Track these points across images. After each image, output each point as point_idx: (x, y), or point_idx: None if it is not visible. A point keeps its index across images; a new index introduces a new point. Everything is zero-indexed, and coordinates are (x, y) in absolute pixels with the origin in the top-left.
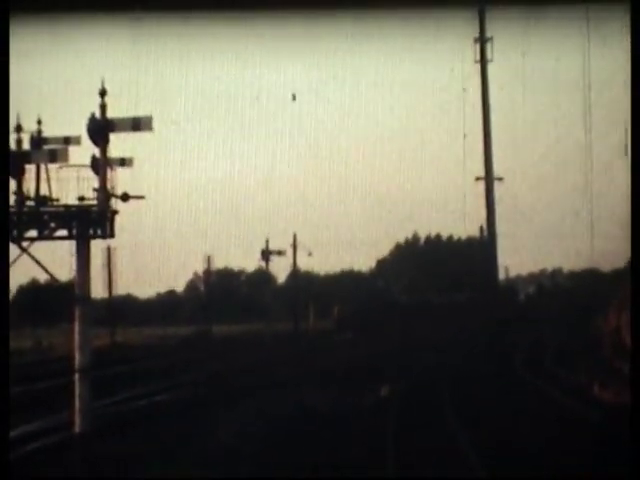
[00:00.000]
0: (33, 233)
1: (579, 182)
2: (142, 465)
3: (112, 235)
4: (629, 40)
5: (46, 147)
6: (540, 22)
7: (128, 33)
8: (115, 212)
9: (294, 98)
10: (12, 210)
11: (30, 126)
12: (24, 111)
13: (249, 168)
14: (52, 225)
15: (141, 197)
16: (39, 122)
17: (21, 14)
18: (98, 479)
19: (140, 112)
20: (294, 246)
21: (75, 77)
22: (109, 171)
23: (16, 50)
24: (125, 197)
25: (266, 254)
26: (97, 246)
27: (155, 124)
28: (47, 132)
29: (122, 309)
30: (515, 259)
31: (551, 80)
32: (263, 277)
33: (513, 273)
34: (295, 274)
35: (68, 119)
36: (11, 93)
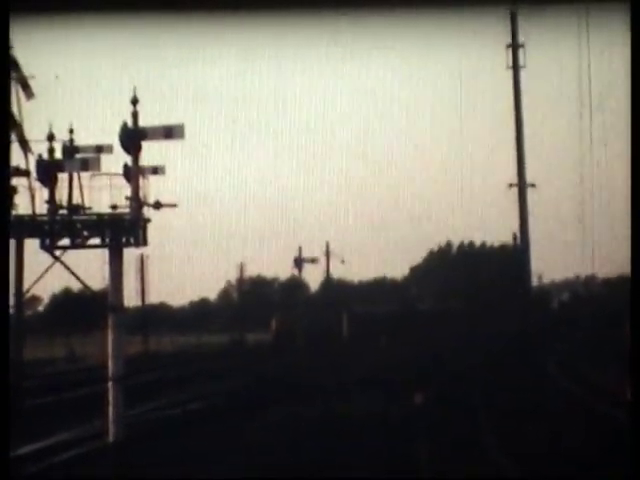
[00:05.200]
0: (66, 242)
1: (615, 188)
2: (176, 473)
3: (145, 243)
4: (629, 40)
5: (78, 156)
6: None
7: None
8: (148, 220)
9: None
10: (45, 219)
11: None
12: (55, 120)
13: (282, 176)
14: (85, 233)
15: (174, 205)
16: (71, 131)
17: (21, 14)
18: None
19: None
20: (327, 254)
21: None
22: (141, 179)
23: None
24: (158, 205)
25: (299, 262)
26: (130, 254)
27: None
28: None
29: (155, 317)
30: (548, 266)
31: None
32: (296, 285)
33: (546, 280)
34: (328, 282)
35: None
36: (41, 101)
